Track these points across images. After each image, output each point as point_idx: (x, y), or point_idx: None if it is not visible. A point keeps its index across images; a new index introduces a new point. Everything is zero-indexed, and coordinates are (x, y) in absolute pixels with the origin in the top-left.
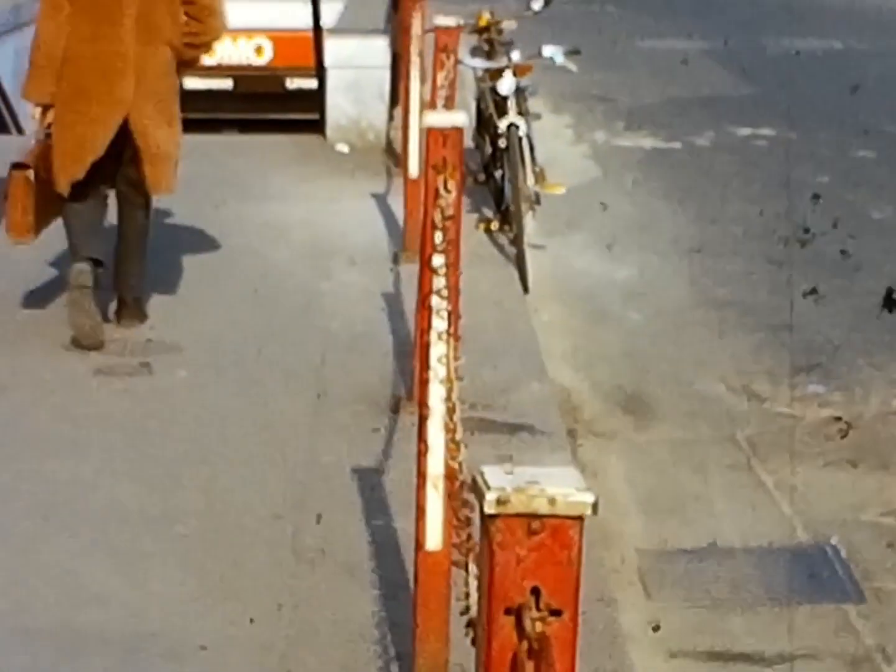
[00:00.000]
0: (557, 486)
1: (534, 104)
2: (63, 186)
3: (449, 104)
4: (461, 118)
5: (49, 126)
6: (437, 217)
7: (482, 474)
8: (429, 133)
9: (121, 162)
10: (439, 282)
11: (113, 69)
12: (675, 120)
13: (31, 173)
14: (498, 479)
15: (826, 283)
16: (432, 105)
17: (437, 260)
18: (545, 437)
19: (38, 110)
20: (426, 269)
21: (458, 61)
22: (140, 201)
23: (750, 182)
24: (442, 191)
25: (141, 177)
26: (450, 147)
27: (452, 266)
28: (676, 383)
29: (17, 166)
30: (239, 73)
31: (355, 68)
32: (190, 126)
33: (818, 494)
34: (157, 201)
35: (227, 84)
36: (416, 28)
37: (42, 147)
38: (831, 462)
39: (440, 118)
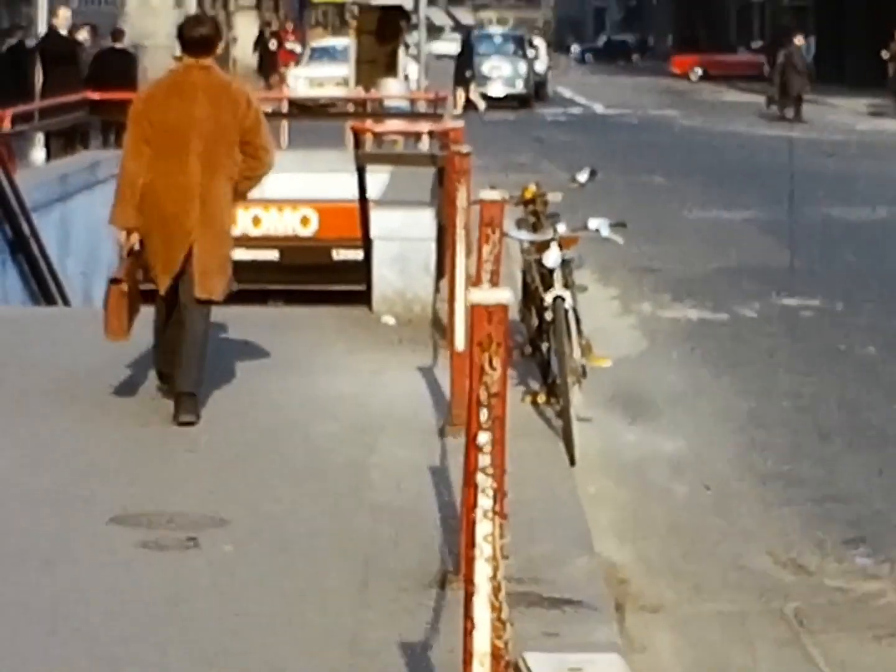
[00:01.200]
0: None
1: (580, 276)
2: (162, 291)
3: (494, 279)
4: (506, 295)
5: (131, 249)
6: (483, 395)
7: (525, 661)
8: (474, 310)
9: (186, 276)
10: (485, 459)
11: (183, 198)
12: (721, 291)
13: (124, 286)
14: (542, 667)
15: (873, 455)
16: (478, 280)
17: (483, 437)
18: (592, 611)
19: (124, 234)
20: (472, 446)
21: (503, 234)
22: (201, 310)
23: (797, 353)
24: (487, 368)
25: (197, 286)
26: (495, 324)
27: (498, 444)
28: (724, 556)
29: (113, 281)
30: (285, 244)
31: (401, 240)
32: (236, 297)
33: (868, 669)
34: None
35: (273, 255)
36: (461, 200)
37: (129, 264)
38: (880, 636)
39: (485, 295)
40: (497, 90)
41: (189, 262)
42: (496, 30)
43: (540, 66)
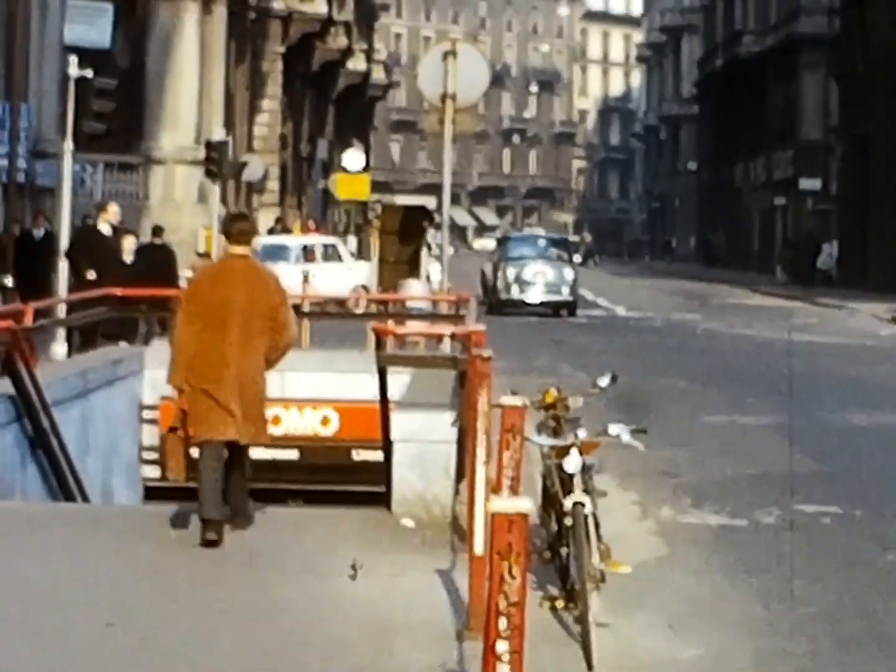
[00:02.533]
0: None
1: (600, 480)
2: (197, 443)
3: (514, 486)
4: (526, 504)
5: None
6: (502, 603)
7: None
8: (494, 518)
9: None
10: (503, 668)
11: (223, 362)
12: (741, 496)
13: (181, 433)
14: None
15: (894, 667)
16: (498, 487)
17: (501, 646)
18: None
19: (178, 392)
20: (490, 654)
21: (524, 439)
22: (242, 453)
23: (816, 560)
24: (507, 577)
25: (239, 433)
26: (515, 533)
27: (516, 653)
28: None
29: (172, 429)
30: (305, 444)
31: (421, 442)
32: (255, 496)
33: None
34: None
35: (292, 455)
36: (481, 404)
37: (183, 415)
38: None
39: (506, 504)
40: (537, 296)
41: (230, 413)
42: (538, 232)
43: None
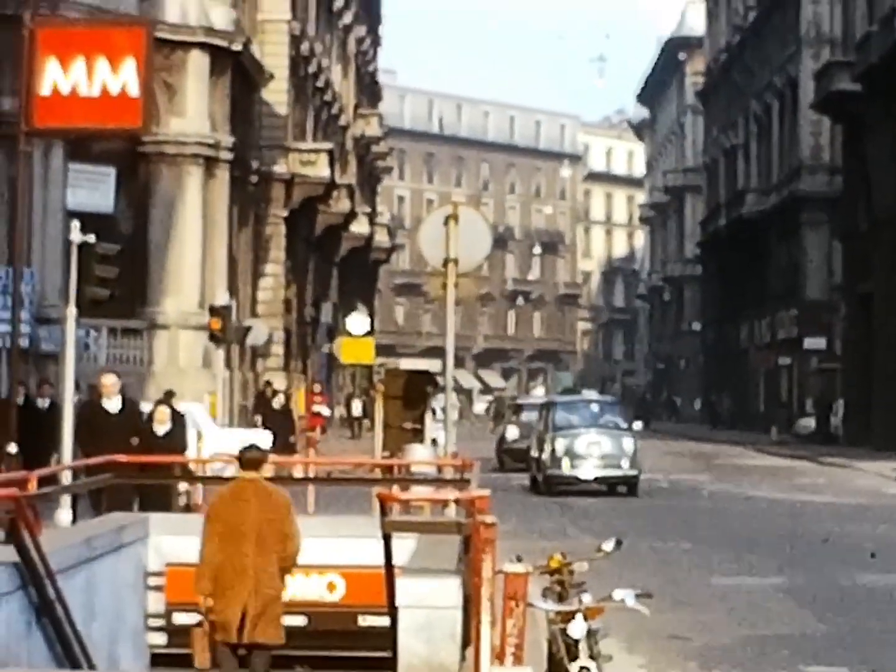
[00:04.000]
0: None
1: (606, 645)
2: (218, 641)
3: (517, 654)
4: None
5: (209, 608)
6: None
7: None
8: None
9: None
10: None
11: (244, 573)
12: (749, 659)
13: (206, 627)
14: None
15: None
16: (501, 654)
17: None
18: None
19: (202, 599)
20: None
21: (528, 604)
22: (261, 654)
23: None
24: None
25: (257, 633)
26: None
27: None
28: None
29: (198, 624)
30: (311, 610)
31: (428, 608)
32: None
33: None
34: None
35: (299, 620)
36: (486, 571)
37: (207, 617)
38: None
39: None
40: (591, 471)
41: (247, 616)
42: (591, 395)
43: None
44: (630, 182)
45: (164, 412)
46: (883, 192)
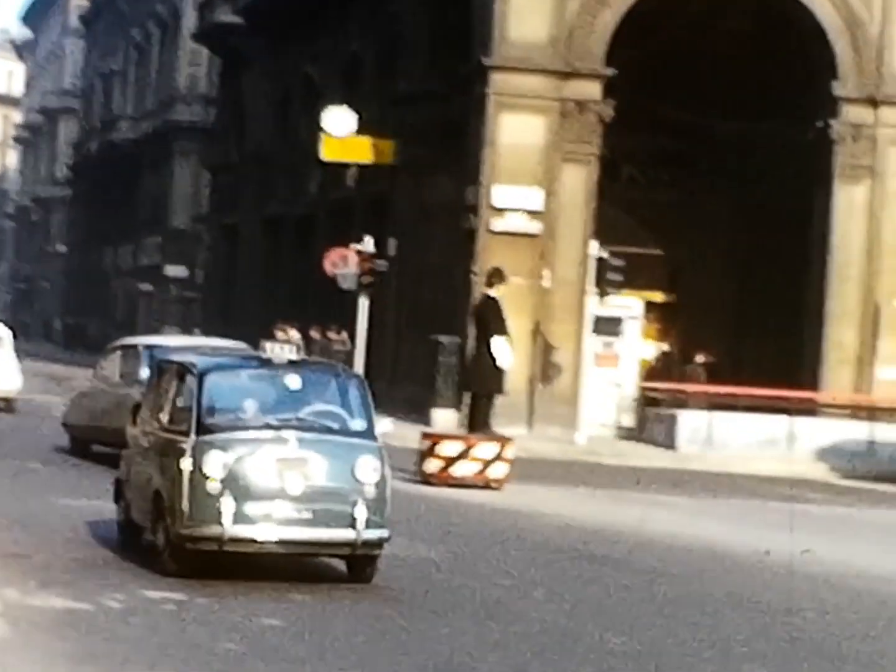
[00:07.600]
0: None
1: None
2: None
3: None
4: None
5: None
6: None
7: None
8: None
9: None
10: None
11: None
12: None
13: None
14: None
15: None
16: None
17: None
18: None
19: None
20: None
21: None
22: None
23: None
24: None
25: None
26: None
27: None
28: None
29: None
30: None
31: None
32: None
33: None
34: None
35: None
36: None
37: None
38: None
39: None
40: (276, 529)
41: None
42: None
43: None
44: (7, 101)
45: None
46: (256, 126)
